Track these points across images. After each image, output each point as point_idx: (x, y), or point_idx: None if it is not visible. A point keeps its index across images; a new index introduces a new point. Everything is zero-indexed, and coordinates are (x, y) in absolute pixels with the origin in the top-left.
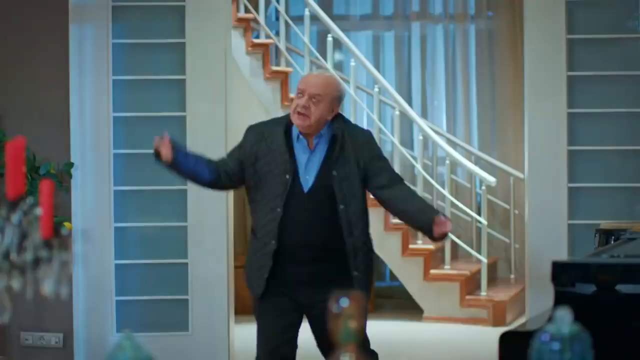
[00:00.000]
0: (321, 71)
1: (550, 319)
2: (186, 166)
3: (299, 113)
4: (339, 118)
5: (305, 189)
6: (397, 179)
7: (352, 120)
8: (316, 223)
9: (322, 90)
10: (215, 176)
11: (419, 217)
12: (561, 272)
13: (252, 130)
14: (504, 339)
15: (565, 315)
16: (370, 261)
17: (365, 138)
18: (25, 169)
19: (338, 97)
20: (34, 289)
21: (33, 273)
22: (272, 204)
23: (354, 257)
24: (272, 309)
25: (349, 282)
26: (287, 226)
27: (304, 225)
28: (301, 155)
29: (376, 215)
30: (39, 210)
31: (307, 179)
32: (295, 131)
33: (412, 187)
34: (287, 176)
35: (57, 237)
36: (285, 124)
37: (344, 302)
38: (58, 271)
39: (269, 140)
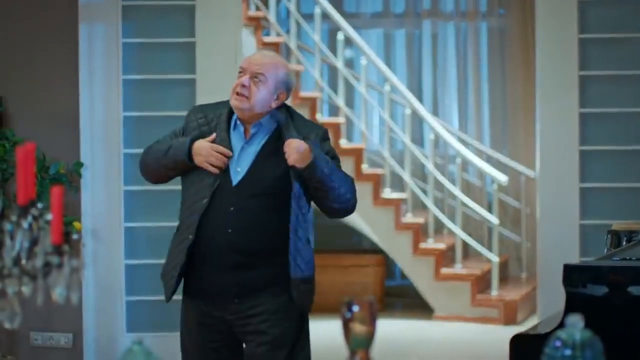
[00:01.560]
0: (270, 52)
1: (561, 323)
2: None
3: (237, 93)
4: (288, 110)
5: (234, 182)
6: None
7: (362, 118)
8: (240, 223)
9: (266, 70)
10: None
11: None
12: (572, 275)
13: (194, 111)
14: (515, 341)
15: (576, 321)
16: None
17: (316, 134)
18: (35, 171)
19: (284, 82)
20: (44, 295)
21: (43, 279)
22: (200, 195)
23: (294, 259)
24: (196, 339)
25: (265, 297)
26: (210, 222)
27: (227, 224)
28: (236, 145)
29: (386, 215)
30: (49, 216)
31: (238, 172)
32: (235, 117)
33: (420, 188)
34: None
35: (68, 243)
36: (229, 107)
37: (354, 308)
38: (68, 277)
39: (211, 124)
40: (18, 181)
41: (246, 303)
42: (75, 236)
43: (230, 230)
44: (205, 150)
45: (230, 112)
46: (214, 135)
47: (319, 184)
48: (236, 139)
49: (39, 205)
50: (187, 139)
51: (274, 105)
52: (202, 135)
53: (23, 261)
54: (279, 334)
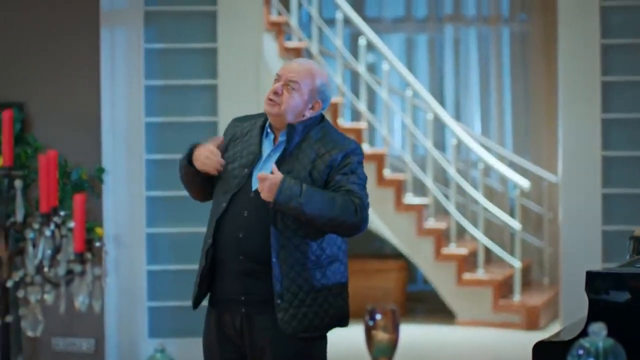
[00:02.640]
0: (309, 61)
1: (584, 330)
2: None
3: (269, 99)
4: (322, 122)
5: (253, 188)
6: (352, 190)
7: (384, 123)
8: (252, 228)
9: (301, 78)
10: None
11: None
12: (595, 282)
13: (233, 122)
14: (538, 348)
15: (599, 329)
16: (308, 300)
17: (340, 150)
18: (57, 178)
19: (320, 92)
20: (66, 303)
21: (66, 287)
22: (221, 199)
23: (279, 282)
24: (215, 347)
25: (271, 311)
26: (225, 226)
27: (239, 228)
28: (265, 151)
29: (408, 220)
30: (71, 223)
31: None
32: (268, 124)
33: (442, 193)
34: (246, 170)
35: (90, 251)
36: (265, 116)
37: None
38: (91, 285)
39: (244, 132)
40: (40, 189)
41: (254, 317)
42: (97, 244)
43: (241, 235)
44: (201, 155)
45: (267, 120)
46: (220, 138)
47: (297, 216)
48: (266, 146)
49: (62, 213)
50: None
51: (307, 114)
52: (236, 140)
53: (45, 269)
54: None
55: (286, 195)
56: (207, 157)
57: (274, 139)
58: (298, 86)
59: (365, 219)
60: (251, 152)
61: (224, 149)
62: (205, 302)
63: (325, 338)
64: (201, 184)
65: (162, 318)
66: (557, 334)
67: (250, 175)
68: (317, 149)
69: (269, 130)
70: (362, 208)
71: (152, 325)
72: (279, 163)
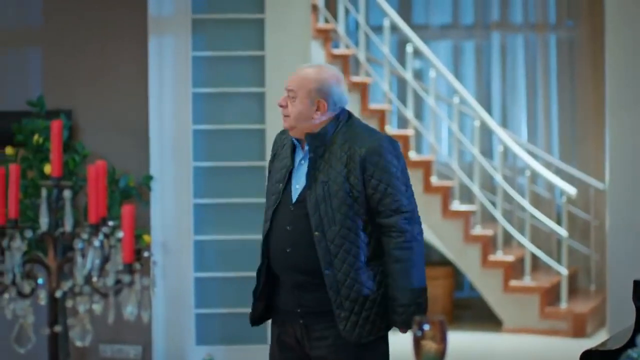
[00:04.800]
0: (307, 64)
1: (631, 339)
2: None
3: (283, 114)
4: (349, 120)
5: (293, 200)
6: (393, 224)
7: (431, 130)
8: (298, 242)
9: (295, 85)
10: None
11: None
12: None
13: (277, 136)
14: (585, 357)
15: None
16: (367, 303)
17: (368, 148)
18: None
19: (317, 90)
20: (115, 313)
21: (114, 297)
22: (266, 216)
23: (336, 292)
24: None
25: (332, 321)
26: (272, 242)
27: (286, 243)
28: (297, 162)
29: (455, 227)
30: (120, 233)
31: (297, 188)
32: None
33: (489, 200)
34: (280, 185)
35: (139, 261)
36: None
37: (425, 327)
38: (139, 295)
39: (282, 146)
40: (89, 199)
41: (311, 327)
42: (146, 254)
43: (288, 250)
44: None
45: None
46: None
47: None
48: (298, 156)
49: (110, 223)
50: None
51: (317, 116)
52: (277, 157)
53: (94, 279)
54: None
55: (411, 317)
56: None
57: (302, 147)
58: (294, 93)
59: (421, 230)
60: (284, 167)
61: (269, 170)
62: None
63: (385, 338)
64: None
65: (209, 325)
66: (604, 343)
67: (285, 189)
68: (347, 149)
69: (296, 142)
70: (411, 228)
71: (200, 332)
72: (315, 173)
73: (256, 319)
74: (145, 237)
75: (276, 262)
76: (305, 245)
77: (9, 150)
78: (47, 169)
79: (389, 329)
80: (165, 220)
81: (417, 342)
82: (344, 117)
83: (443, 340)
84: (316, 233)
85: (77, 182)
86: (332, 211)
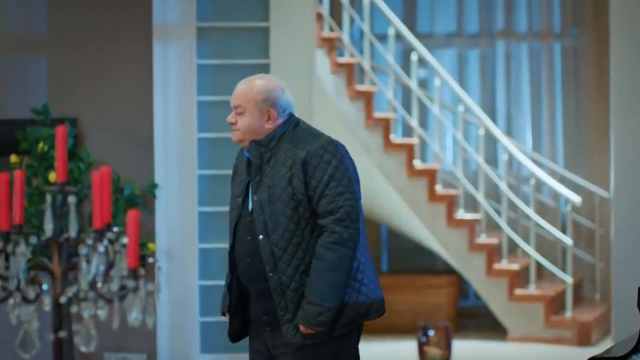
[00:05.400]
0: (246, 79)
1: (636, 347)
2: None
3: (232, 130)
4: (297, 125)
5: (249, 211)
6: (325, 225)
7: (436, 139)
8: (256, 250)
9: (241, 100)
10: None
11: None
12: None
13: (236, 157)
14: None
15: None
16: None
17: (309, 150)
18: (110, 194)
19: (264, 100)
20: (119, 319)
21: (119, 303)
22: (229, 231)
23: (280, 295)
24: None
25: (279, 326)
26: (237, 254)
27: (246, 253)
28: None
29: (460, 235)
30: (125, 239)
31: (255, 200)
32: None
33: (493, 208)
34: (239, 199)
35: (144, 266)
36: None
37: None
38: (144, 301)
39: (238, 163)
40: (94, 205)
41: (276, 332)
42: (150, 259)
43: (248, 260)
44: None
45: None
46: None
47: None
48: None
49: (115, 229)
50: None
51: (268, 125)
52: (236, 172)
53: (99, 285)
54: None
55: (313, 317)
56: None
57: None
58: (243, 109)
59: (353, 234)
60: (242, 181)
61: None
62: None
63: (345, 340)
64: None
65: (214, 333)
66: (609, 350)
67: (244, 201)
68: (291, 154)
69: (247, 153)
70: (341, 230)
71: (204, 340)
72: (261, 178)
73: (234, 335)
74: (150, 245)
75: (242, 274)
76: (260, 255)
77: (13, 158)
78: (52, 177)
79: (335, 331)
80: (170, 228)
81: (422, 348)
82: (292, 124)
83: (448, 346)
84: (260, 237)
85: (82, 190)
86: (276, 214)
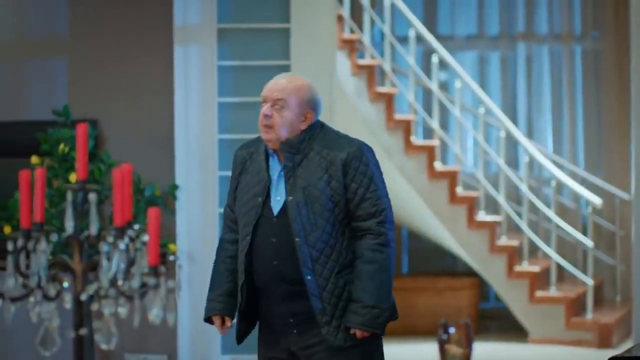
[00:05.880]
0: (288, 74)
1: None
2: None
3: (263, 125)
4: (322, 128)
5: (275, 212)
6: (369, 228)
7: (457, 141)
8: (284, 252)
9: (285, 94)
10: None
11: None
12: None
13: (239, 148)
14: None
15: None
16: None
17: (348, 153)
18: (131, 192)
19: (308, 101)
20: (140, 316)
21: (140, 300)
22: (245, 231)
23: (317, 298)
24: None
25: (316, 329)
26: (256, 257)
27: (272, 255)
28: (273, 174)
29: (480, 237)
30: (145, 237)
31: (278, 201)
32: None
33: (514, 210)
34: (260, 199)
35: (164, 264)
36: None
37: (450, 330)
38: (165, 298)
39: (252, 158)
40: (115, 203)
41: (306, 333)
42: (171, 257)
43: (275, 262)
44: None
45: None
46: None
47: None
48: (273, 168)
49: (136, 226)
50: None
51: (302, 127)
52: (245, 171)
53: (119, 282)
54: None
55: (371, 321)
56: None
57: (279, 158)
58: (285, 103)
59: (393, 235)
60: (261, 180)
61: (235, 183)
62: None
63: (378, 339)
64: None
65: (234, 335)
66: (629, 349)
67: (265, 202)
68: (325, 155)
69: (271, 152)
70: (386, 232)
71: (225, 341)
72: (294, 180)
73: (243, 337)
74: (171, 246)
75: (262, 276)
76: (291, 256)
77: (34, 159)
78: (73, 178)
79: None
80: (191, 229)
81: (442, 346)
82: (318, 125)
83: (468, 344)
84: (297, 239)
85: (102, 192)
86: (314, 216)
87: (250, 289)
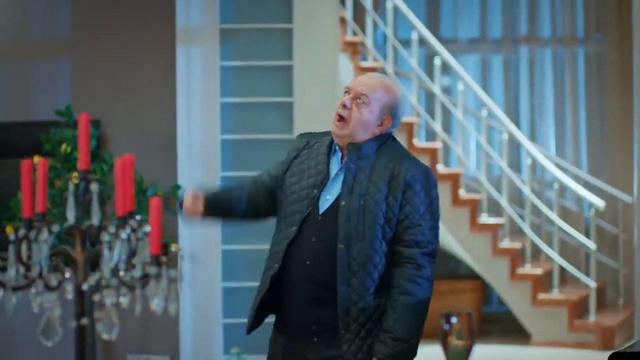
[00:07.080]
0: (382, 75)
1: None
2: (221, 210)
3: (338, 116)
4: (391, 139)
5: (321, 211)
6: (412, 256)
7: (460, 143)
8: (320, 254)
9: (371, 92)
10: (244, 206)
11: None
12: None
13: (299, 136)
14: (613, 359)
15: None
16: (375, 330)
17: (414, 174)
18: (133, 183)
19: (391, 107)
20: (142, 306)
21: (141, 290)
22: (291, 222)
23: (345, 312)
24: None
25: (337, 341)
26: (294, 252)
27: (307, 254)
28: (332, 171)
29: (483, 240)
30: (147, 227)
31: (327, 200)
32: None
33: (517, 213)
34: (316, 191)
35: (166, 254)
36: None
37: (452, 320)
38: (166, 288)
39: (311, 149)
40: (117, 193)
41: (326, 344)
42: (173, 249)
43: (308, 262)
44: (187, 203)
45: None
46: (197, 193)
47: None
48: (333, 165)
49: (137, 217)
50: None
51: (377, 132)
52: (300, 157)
53: (121, 272)
54: None
55: (401, 354)
56: (185, 208)
57: (342, 157)
58: (368, 100)
59: (432, 272)
60: (320, 172)
61: (287, 165)
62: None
63: None
64: (235, 207)
65: (237, 335)
66: (632, 345)
67: (319, 196)
68: (391, 168)
69: (336, 148)
70: (428, 266)
71: (227, 342)
72: (353, 185)
73: (254, 327)
74: (174, 245)
75: (294, 274)
76: (327, 259)
77: (36, 159)
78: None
79: None
80: (193, 229)
81: (445, 338)
82: (390, 136)
83: (470, 335)
84: (341, 246)
85: (104, 191)
86: (363, 227)
87: (275, 284)
